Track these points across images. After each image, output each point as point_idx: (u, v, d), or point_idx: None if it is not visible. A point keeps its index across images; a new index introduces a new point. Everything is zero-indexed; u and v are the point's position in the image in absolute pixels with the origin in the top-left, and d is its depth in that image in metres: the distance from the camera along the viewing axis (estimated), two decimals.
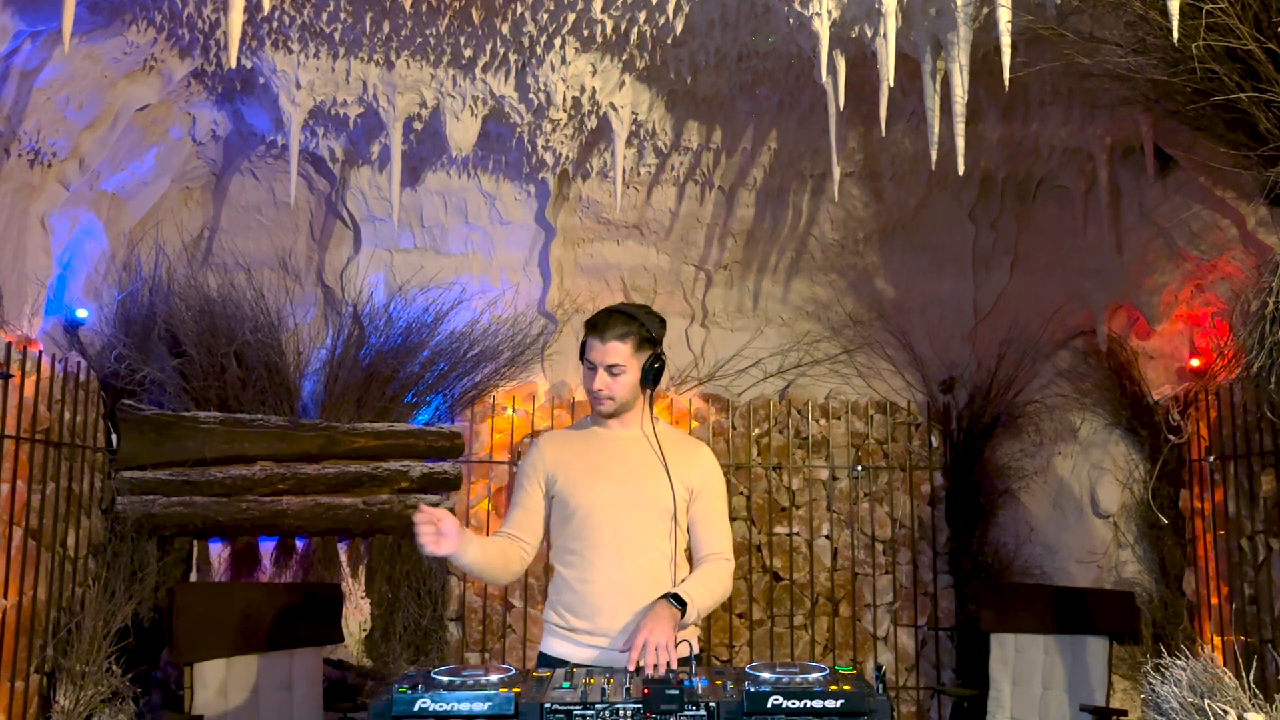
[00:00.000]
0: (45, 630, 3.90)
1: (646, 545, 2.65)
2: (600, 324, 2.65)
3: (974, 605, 5.03)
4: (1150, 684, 3.00)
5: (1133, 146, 4.47)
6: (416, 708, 2.08)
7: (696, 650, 2.59)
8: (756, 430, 5.41)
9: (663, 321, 2.73)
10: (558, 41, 3.85)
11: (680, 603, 2.51)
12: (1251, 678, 2.89)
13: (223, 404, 4.66)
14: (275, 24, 3.83)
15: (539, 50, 3.91)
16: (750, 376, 5.48)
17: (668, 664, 2.36)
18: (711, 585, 2.64)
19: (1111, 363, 5.12)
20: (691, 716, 2.07)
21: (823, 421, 5.43)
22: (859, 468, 5.38)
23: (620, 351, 2.63)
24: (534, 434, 5.23)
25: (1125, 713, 3.86)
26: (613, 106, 4.20)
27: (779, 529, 5.33)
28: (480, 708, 2.07)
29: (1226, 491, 4.54)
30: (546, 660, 2.67)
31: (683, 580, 2.64)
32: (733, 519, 5.30)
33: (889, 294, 5.43)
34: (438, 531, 2.46)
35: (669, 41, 3.83)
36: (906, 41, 3.54)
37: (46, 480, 3.95)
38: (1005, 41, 3.19)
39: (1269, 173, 3.29)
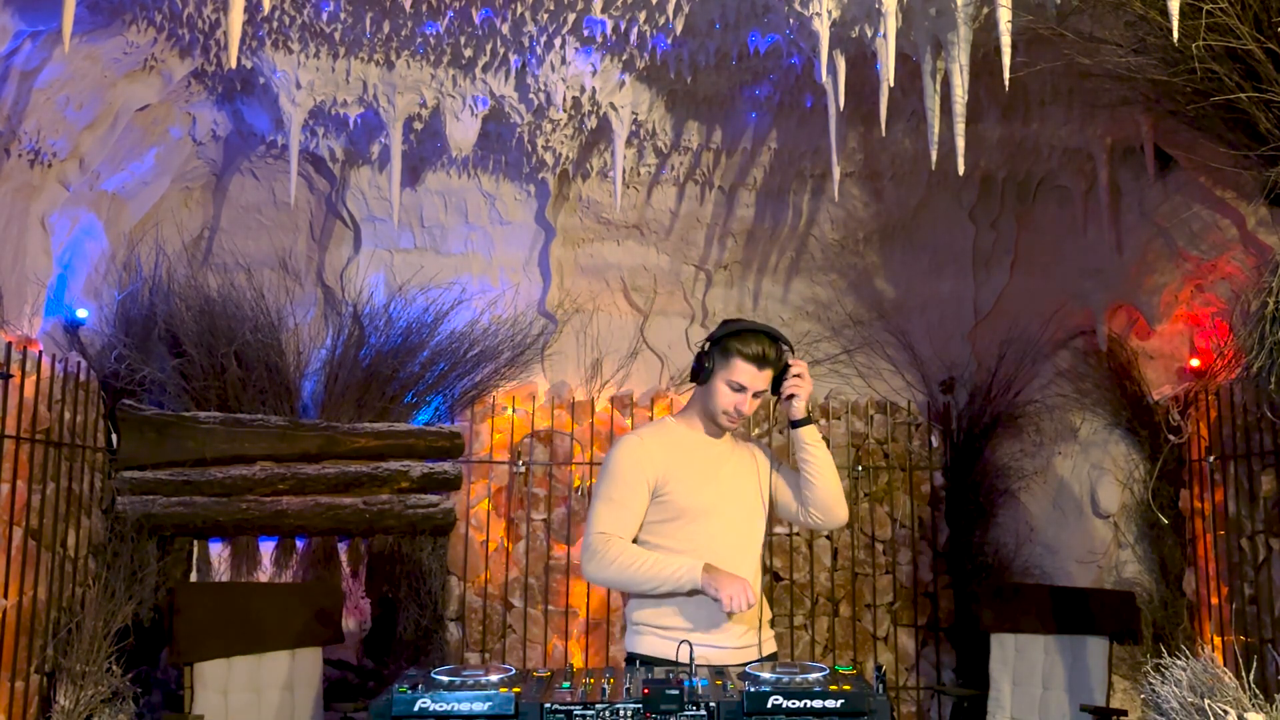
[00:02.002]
0: (45, 630, 3.90)
1: (744, 549, 2.77)
2: (761, 352, 2.71)
3: (974, 605, 5.03)
4: (1150, 684, 3.00)
5: (1133, 146, 4.47)
6: (416, 708, 2.08)
7: (774, 649, 2.79)
8: (756, 430, 5.41)
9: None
10: (558, 41, 3.85)
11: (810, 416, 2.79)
12: (1251, 678, 2.89)
13: (223, 404, 4.66)
14: (275, 24, 3.83)
15: (539, 50, 3.91)
16: None
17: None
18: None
19: (1111, 363, 5.12)
20: (691, 716, 2.07)
21: (823, 421, 5.43)
22: (859, 467, 5.38)
23: (768, 381, 2.75)
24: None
25: (1125, 713, 3.86)
26: (613, 106, 4.20)
27: (779, 529, 5.33)
28: (480, 708, 2.07)
29: (1226, 491, 4.54)
30: (638, 659, 2.70)
31: None
32: None
33: (889, 294, 5.43)
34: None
35: (669, 41, 3.83)
36: (906, 41, 3.54)
37: (46, 480, 3.95)
38: (1005, 41, 3.19)
39: (1269, 173, 3.29)
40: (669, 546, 2.71)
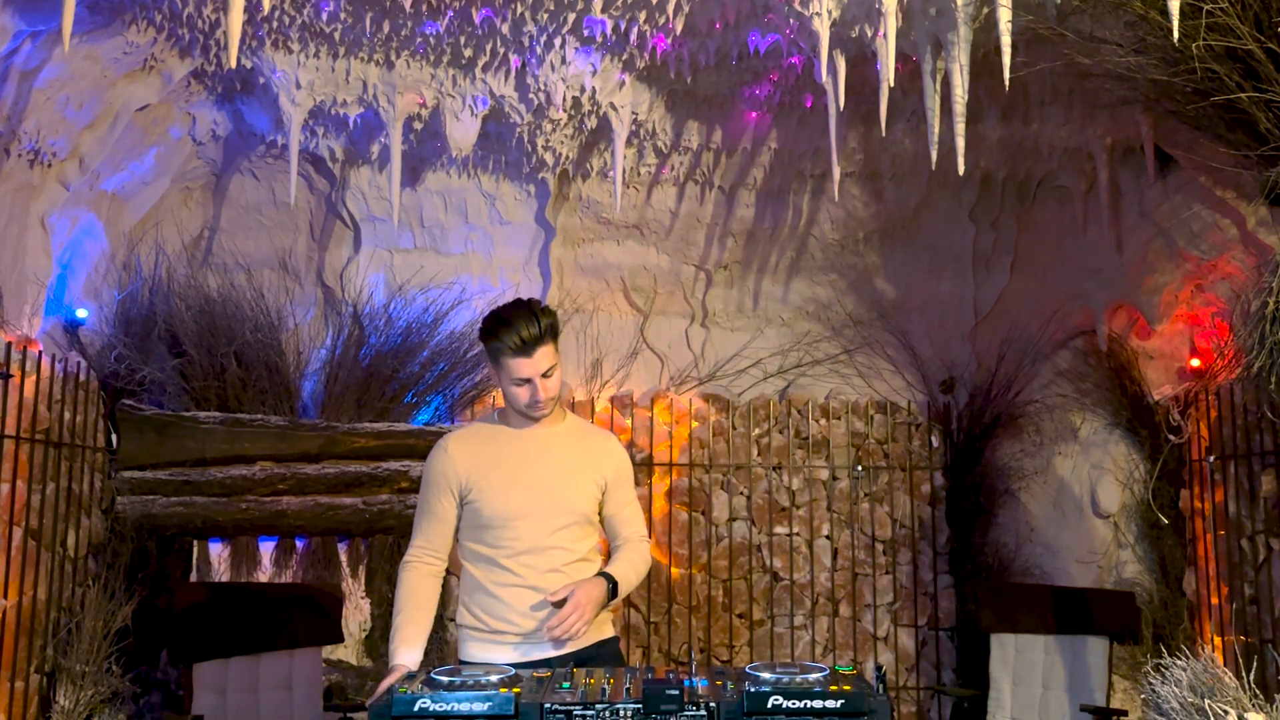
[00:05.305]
0: (45, 630, 3.90)
1: (563, 550, 2.63)
2: (518, 338, 2.52)
3: (974, 605, 5.03)
4: (1150, 684, 3.00)
5: (1133, 146, 4.47)
6: (416, 708, 2.07)
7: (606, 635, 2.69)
8: (756, 430, 5.41)
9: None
10: (558, 41, 3.85)
11: (611, 582, 2.58)
12: (1251, 678, 2.89)
13: (223, 404, 4.66)
14: (275, 24, 3.83)
15: (539, 50, 3.91)
16: (750, 376, 5.48)
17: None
18: (636, 565, 2.70)
19: (1111, 363, 5.12)
20: (691, 716, 2.07)
21: (823, 421, 5.43)
22: (859, 468, 5.38)
23: (549, 354, 2.57)
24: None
25: (1125, 713, 3.85)
26: (613, 106, 4.20)
27: (779, 529, 5.33)
28: (480, 708, 2.07)
29: (1226, 491, 4.54)
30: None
31: (609, 563, 2.67)
32: (733, 519, 5.31)
33: (889, 294, 5.43)
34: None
35: (669, 41, 3.83)
36: (906, 41, 3.54)
37: (46, 480, 3.95)
38: (1005, 41, 3.19)
39: (1269, 173, 3.29)
40: (480, 550, 2.64)
